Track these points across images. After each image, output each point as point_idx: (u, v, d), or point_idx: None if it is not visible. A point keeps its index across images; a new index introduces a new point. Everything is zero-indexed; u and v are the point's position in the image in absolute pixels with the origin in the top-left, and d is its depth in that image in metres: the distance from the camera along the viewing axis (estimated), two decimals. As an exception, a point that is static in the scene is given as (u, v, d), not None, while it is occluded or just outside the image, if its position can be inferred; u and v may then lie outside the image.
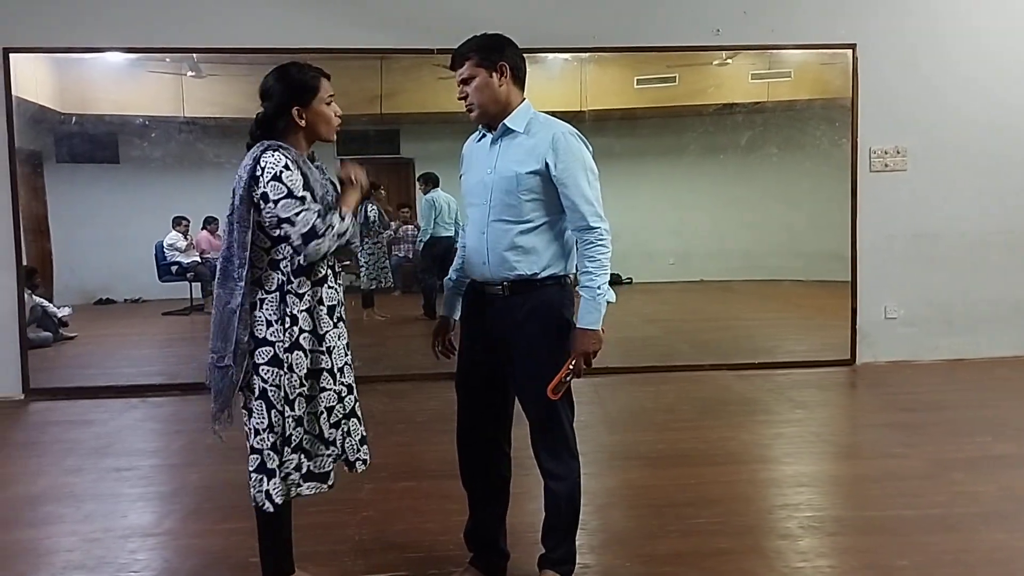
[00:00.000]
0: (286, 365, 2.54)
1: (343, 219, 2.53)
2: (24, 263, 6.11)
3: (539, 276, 2.68)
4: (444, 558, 3.15)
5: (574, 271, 2.77)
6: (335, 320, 2.64)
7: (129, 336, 7.94)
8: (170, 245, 7.98)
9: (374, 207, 7.99)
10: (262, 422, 2.57)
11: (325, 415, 2.61)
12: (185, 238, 8.00)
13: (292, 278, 2.55)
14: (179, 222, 7.94)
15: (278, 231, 2.50)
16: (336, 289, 2.66)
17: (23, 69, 6.08)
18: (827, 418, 5.37)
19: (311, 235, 2.46)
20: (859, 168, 6.57)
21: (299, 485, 2.61)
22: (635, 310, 8.18)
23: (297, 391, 2.56)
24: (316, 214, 2.48)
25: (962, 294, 6.71)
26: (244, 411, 2.62)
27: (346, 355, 2.68)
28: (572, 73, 6.73)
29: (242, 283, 2.50)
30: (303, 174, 2.52)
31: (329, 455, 2.64)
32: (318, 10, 6.12)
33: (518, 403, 2.83)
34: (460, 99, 2.73)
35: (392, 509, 3.69)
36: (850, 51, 6.50)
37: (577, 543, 2.87)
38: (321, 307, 2.59)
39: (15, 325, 6.03)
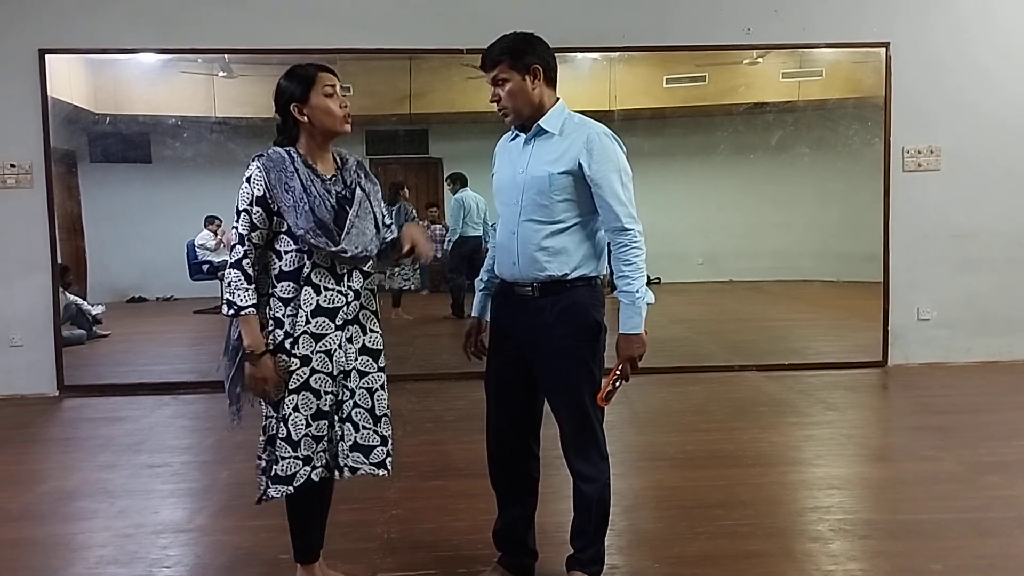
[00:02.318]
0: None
1: (229, 309, 2.52)
2: (58, 261, 6.21)
3: (569, 277, 2.67)
4: (472, 557, 3.16)
5: (605, 272, 2.76)
6: (338, 323, 2.59)
7: (161, 334, 8.03)
8: (201, 244, 8.05)
9: (408, 207, 8.01)
10: (263, 420, 2.66)
11: (294, 416, 2.57)
12: (215, 237, 8.07)
13: (276, 282, 2.57)
14: (212, 221, 8.01)
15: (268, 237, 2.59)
16: (342, 292, 2.59)
17: (58, 70, 6.17)
18: (858, 420, 5.31)
19: (231, 258, 2.54)
20: (892, 168, 6.50)
21: (267, 487, 2.61)
22: (664, 310, 8.12)
23: (281, 395, 2.57)
24: (238, 238, 2.54)
25: (997, 296, 6.61)
26: None
27: (357, 359, 2.66)
28: (601, 72, 6.71)
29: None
30: (269, 184, 2.52)
31: (297, 457, 2.57)
32: (347, 10, 6.15)
33: (547, 403, 2.82)
34: (493, 101, 2.71)
35: (421, 508, 3.70)
36: (883, 50, 6.43)
37: (605, 544, 2.86)
38: (303, 310, 2.54)
39: (50, 323, 6.12)
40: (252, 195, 2.53)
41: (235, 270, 2.52)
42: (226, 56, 6.81)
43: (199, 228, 8.02)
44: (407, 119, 7.75)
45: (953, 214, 6.54)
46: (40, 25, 5.99)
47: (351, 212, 2.58)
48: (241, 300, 2.51)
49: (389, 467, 2.73)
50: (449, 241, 8.15)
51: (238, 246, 2.53)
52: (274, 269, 2.57)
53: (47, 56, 5.99)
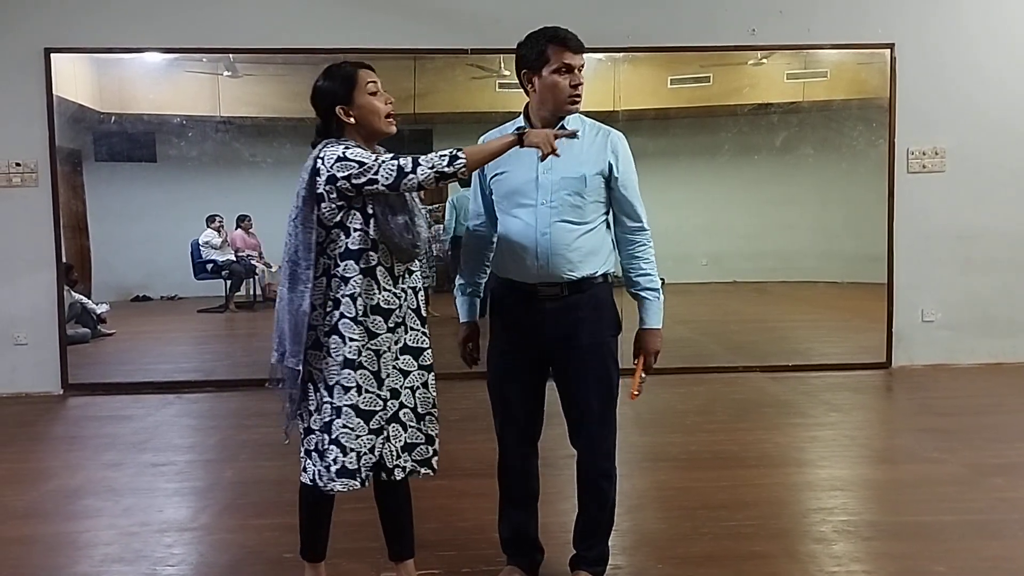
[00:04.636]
0: (324, 349, 2.54)
1: (451, 163, 2.41)
2: (63, 260, 6.22)
3: (596, 275, 2.71)
4: (477, 556, 3.17)
5: (613, 268, 2.80)
6: (391, 325, 2.58)
7: (165, 333, 8.03)
8: (205, 243, 8.05)
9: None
10: (311, 403, 2.60)
11: (358, 411, 2.55)
12: (220, 236, 8.07)
13: (339, 261, 2.53)
14: (213, 219, 8.01)
15: (339, 216, 2.51)
16: (397, 293, 2.59)
17: (63, 69, 6.18)
18: (862, 421, 5.31)
19: (399, 178, 2.42)
20: (896, 169, 6.50)
21: (333, 480, 2.55)
22: (667, 311, 8.04)
23: (336, 379, 2.53)
24: (393, 158, 2.45)
25: (1002, 296, 6.61)
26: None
27: (398, 360, 2.63)
28: (606, 73, 6.70)
29: (310, 284, 2.52)
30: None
31: (360, 452, 2.55)
32: (352, 10, 6.16)
33: (567, 401, 2.82)
34: (577, 85, 2.65)
35: (425, 507, 3.67)
36: (887, 51, 6.43)
37: (609, 544, 2.87)
38: (363, 300, 2.52)
39: (55, 321, 6.14)
40: (366, 153, 2.48)
41: (418, 159, 2.42)
42: (231, 55, 6.82)
43: (203, 227, 8.02)
44: (411, 119, 7.73)
45: (957, 215, 6.53)
46: (45, 24, 6.01)
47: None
48: (456, 152, 2.42)
49: (435, 466, 2.72)
50: (445, 242, 8.12)
51: (398, 160, 2.43)
52: (339, 247, 2.53)
53: (52, 55, 6.01)
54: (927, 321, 6.59)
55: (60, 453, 4.80)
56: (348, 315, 2.52)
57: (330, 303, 2.54)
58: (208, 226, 8.01)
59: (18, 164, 6.02)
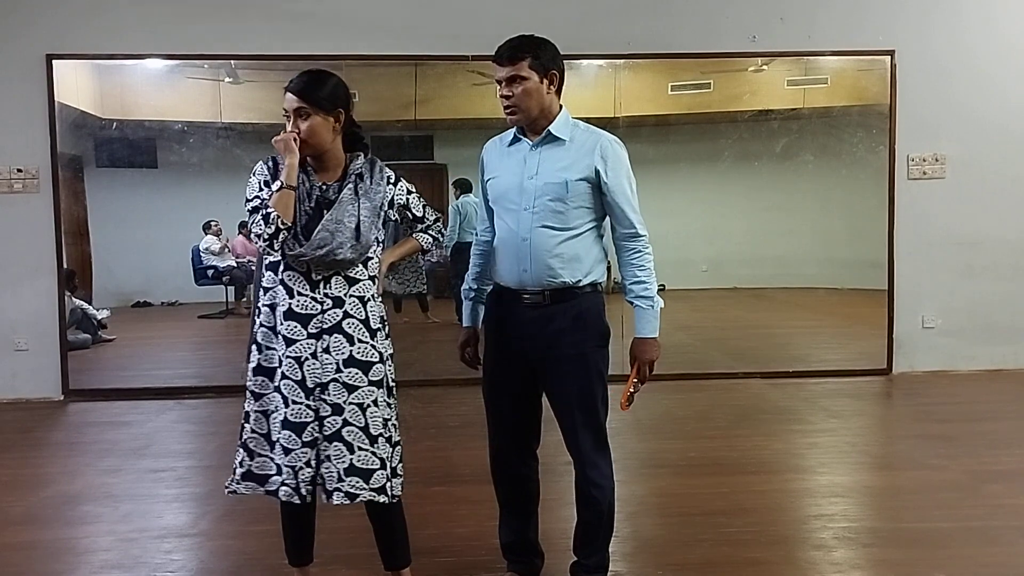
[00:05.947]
0: (248, 356, 2.62)
1: (267, 222, 2.46)
2: (64, 266, 6.23)
3: (581, 283, 2.68)
4: (476, 563, 3.16)
5: (603, 278, 2.78)
6: (312, 331, 2.53)
7: (166, 339, 8.03)
8: (206, 249, 8.06)
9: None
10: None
11: (273, 416, 2.58)
12: (220, 242, 8.08)
13: (264, 271, 2.61)
14: (210, 226, 8.02)
15: None
16: (317, 299, 2.53)
17: (65, 75, 6.20)
18: (862, 428, 5.31)
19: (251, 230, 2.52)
20: (896, 175, 6.50)
21: (238, 482, 2.64)
22: (667, 317, 7.95)
23: (249, 387, 2.60)
24: (254, 210, 2.51)
25: (1002, 303, 6.60)
26: None
27: (342, 371, 2.54)
28: (606, 79, 6.72)
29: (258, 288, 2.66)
30: (267, 179, 2.57)
31: (273, 459, 2.59)
32: (353, 18, 6.17)
33: (553, 411, 2.81)
34: (503, 97, 2.65)
35: (424, 513, 3.69)
36: (888, 57, 6.44)
37: (609, 550, 2.86)
38: (279, 308, 2.55)
39: (55, 327, 6.14)
40: (260, 181, 2.58)
41: (252, 226, 2.48)
42: (232, 62, 6.84)
43: (204, 233, 8.02)
44: (412, 125, 7.74)
45: (958, 222, 6.53)
46: (47, 31, 6.02)
47: (327, 214, 2.53)
48: (265, 210, 2.47)
49: (390, 492, 2.59)
50: (446, 247, 8.10)
51: (251, 215, 2.49)
52: (267, 259, 2.60)
53: (54, 61, 6.03)
54: (927, 327, 6.58)
55: (59, 459, 4.81)
56: (267, 324, 2.57)
57: (257, 310, 2.61)
58: (205, 232, 8.01)
59: (20, 170, 6.04)
